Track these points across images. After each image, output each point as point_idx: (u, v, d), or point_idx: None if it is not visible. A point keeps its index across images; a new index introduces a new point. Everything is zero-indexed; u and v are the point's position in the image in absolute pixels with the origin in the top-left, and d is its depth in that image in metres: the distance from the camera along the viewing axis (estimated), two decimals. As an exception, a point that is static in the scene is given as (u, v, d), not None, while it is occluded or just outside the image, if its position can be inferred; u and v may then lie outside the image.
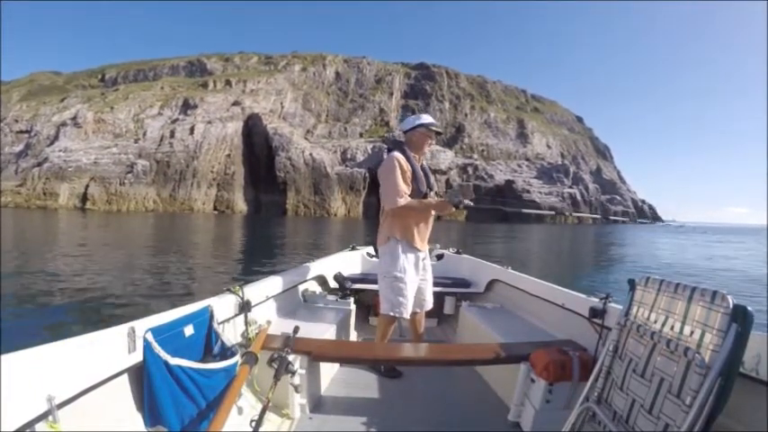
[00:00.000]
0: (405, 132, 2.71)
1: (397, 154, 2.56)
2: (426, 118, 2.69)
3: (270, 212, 65.08)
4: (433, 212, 2.71)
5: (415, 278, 2.65)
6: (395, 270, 2.56)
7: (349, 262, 4.21)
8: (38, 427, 1.04)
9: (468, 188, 2.44)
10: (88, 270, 9.20)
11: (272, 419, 1.98)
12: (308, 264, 3.42)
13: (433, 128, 2.66)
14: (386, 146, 2.83)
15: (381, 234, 2.69)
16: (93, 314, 5.77)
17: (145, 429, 1.41)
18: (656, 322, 1.44)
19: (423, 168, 2.69)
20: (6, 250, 11.72)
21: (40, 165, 62.81)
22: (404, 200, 2.48)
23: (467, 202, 2.45)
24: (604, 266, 15.29)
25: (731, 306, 1.18)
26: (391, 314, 2.59)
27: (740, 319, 1.15)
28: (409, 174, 2.54)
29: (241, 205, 67.99)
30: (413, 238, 2.60)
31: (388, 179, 2.51)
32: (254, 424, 1.46)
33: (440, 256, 4.45)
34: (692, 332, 1.28)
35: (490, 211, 73.24)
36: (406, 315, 2.60)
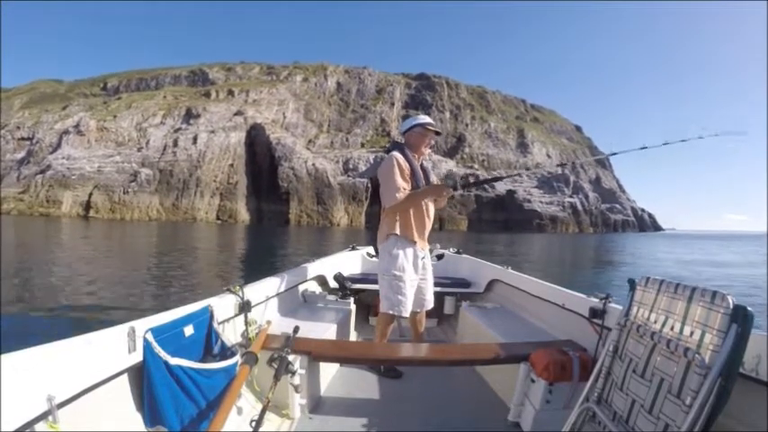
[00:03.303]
0: (403, 133, 2.77)
1: (395, 153, 2.61)
2: (423, 118, 2.74)
3: (272, 222, 65.24)
4: (432, 211, 2.75)
5: (414, 277, 2.66)
6: (394, 268, 2.57)
7: (349, 262, 4.22)
8: (38, 427, 1.03)
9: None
10: (87, 276, 9.21)
11: (272, 419, 1.97)
12: (307, 264, 3.42)
13: (430, 127, 2.71)
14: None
15: (381, 232, 2.71)
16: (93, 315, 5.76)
17: (145, 429, 1.40)
18: (656, 322, 1.44)
19: (422, 167, 2.74)
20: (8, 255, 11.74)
21: (43, 172, 63.18)
22: (402, 194, 2.52)
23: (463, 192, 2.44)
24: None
25: (731, 306, 1.17)
26: (390, 313, 2.59)
27: (740, 319, 1.15)
28: (408, 171, 2.58)
29: (244, 215, 68.16)
30: (412, 234, 2.62)
31: (388, 178, 2.55)
32: (254, 424, 1.46)
33: (440, 256, 4.45)
34: (692, 332, 1.28)
35: (491, 221, 73.35)
36: (406, 314, 2.60)
